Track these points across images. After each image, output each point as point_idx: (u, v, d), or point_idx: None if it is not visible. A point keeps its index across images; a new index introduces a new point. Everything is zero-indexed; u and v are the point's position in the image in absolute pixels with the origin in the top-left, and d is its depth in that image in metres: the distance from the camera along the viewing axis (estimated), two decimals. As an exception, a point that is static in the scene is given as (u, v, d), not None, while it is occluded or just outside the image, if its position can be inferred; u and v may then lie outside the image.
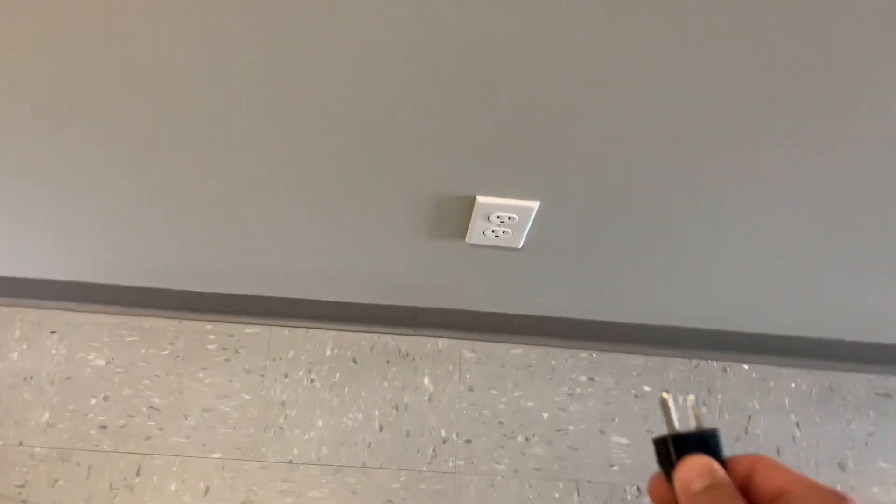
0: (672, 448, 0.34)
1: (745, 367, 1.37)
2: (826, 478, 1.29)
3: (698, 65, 0.67)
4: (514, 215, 0.93)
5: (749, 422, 1.33)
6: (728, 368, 1.37)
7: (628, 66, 0.67)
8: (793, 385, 1.36)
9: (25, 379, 1.28)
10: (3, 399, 1.26)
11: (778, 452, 1.31)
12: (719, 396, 1.34)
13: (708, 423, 0.34)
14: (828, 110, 0.72)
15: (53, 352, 1.30)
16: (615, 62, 0.67)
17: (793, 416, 1.34)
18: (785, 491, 0.30)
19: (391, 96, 0.74)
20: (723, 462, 0.33)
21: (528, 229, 0.97)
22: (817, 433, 1.33)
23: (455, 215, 0.96)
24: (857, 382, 1.36)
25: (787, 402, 1.35)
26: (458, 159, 0.84)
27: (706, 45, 0.65)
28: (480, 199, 0.91)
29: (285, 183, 0.91)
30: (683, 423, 0.35)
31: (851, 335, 1.31)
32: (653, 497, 0.34)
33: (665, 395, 0.36)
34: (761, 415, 1.33)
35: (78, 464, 1.23)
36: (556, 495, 1.26)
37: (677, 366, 1.36)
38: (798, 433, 1.33)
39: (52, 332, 1.32)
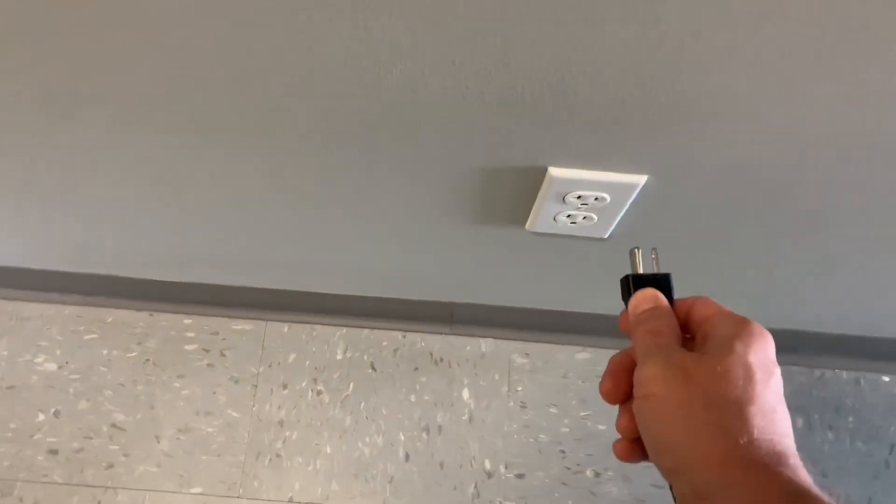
0: (631, 284, 0.43)
1: (886, 378, 1.04)
2: None
3: None
4: (606, 195, 0.60)
5: (891, 452, 1.01)
6: (862, 381, 1.04)
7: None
8: (950, 404, 1.03)
9: (-45, 389, 1.00)
10: (-71, 414, 0.99)
11: (930, 494, 0.99)
12: (851, 419, 1.02)
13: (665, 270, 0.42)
14: None
15: (-8, 353, 1.02)
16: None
17: (949, 446, 1.01)
18: (709, 316, 0.39)
19: (425, 39, 0.41)
20: (671, 300, 0.42)
21: (622, 214, 0.64)
22: (982, 468, 1.00)
23: (513, 194, 0.64)
24: None
25: (941, 426, 1.02)
26: (521, 112, 0.51)
27: None
28: (554, 171, 0.58)
29: (295, 151, 0.60)
30: (647, 270, 0.44)
31: None
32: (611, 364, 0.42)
33: (635, 249, 0.44)
34: (908, 444, 1.01)
35: (21, 500, 0.96)
36: (636, 549, 0.96)
37: (796, 377, 1.04)
38: (957, 469, 1.00)
39: (-9, 327, 1.04)
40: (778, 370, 0.37)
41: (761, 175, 0.58)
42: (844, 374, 1.04)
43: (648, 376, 0.37)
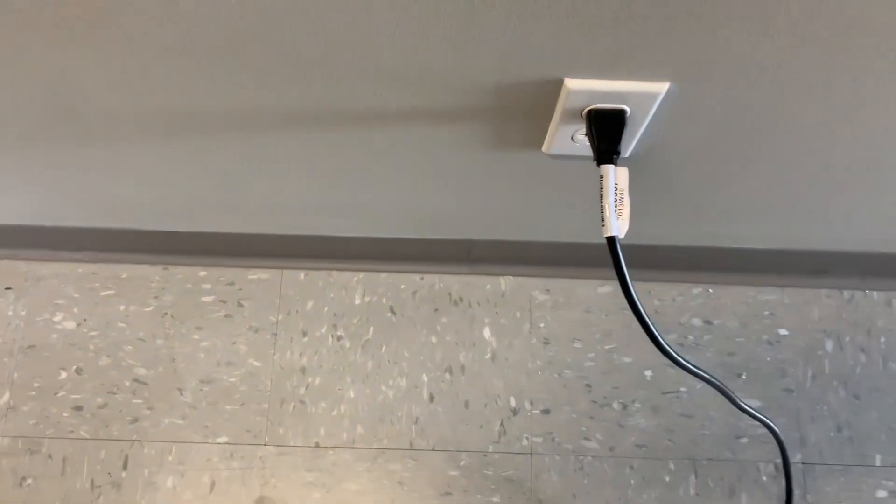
0: None
1: (918, 298, 1.01)
2: None
3: None
4: (625, 107, 0.57)
5: (925, 372, 0.99)
6: (894, 301, 1.01)
7: None
8: None
9: (-24, 351, 1.00)
10: (-48, 377, 0.99)
11: (966, 412, 0.97)
12: (883, 340, 1.00)
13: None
14: None
15: (10, 313, 1.02)
16: None
17: None
18: None
19: None
20: None
21: (643, 129, 0.61)
22: None
23: (528, 112, 0.61)
24: None
25: (977, 343, 1.00)
26: (532, 19, 0.48)
27: None
28: (571, 83, 0.55)
29: (305, 90, 0.57)
30: None
31: None
32: None
33: None
34: (942, 363, 0.99)
35: (50, 456, 0.97)
36: (667, 479, 0.95)
37: (824, 300, 1.01)
38: None
39: (7, 287, 1.03)
40: None
41: (791, 75, 0.55)
42: (875, 294, 1.01)
43: None
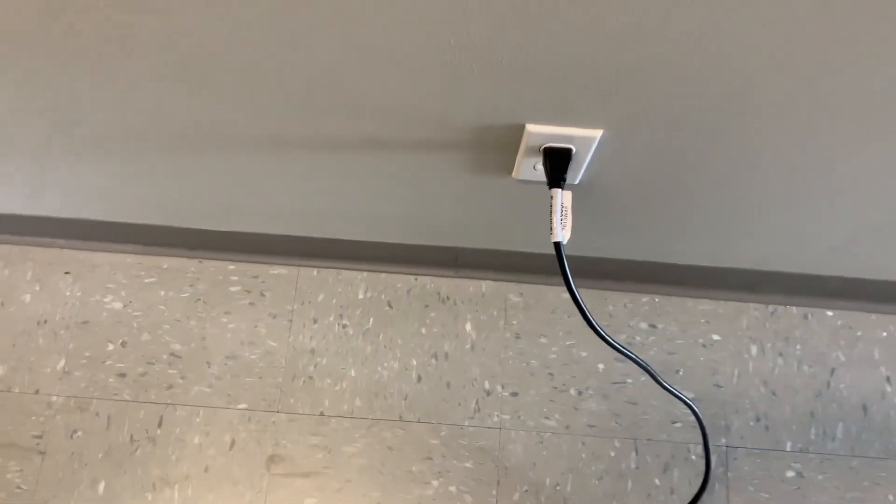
0: None
1: (829, 313, 1.21)
2: (918, 438, 1.15)
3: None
4: (571, 146, 0.77)
5: (832, 375, 1.18)
6: (810, 315, 1.21)
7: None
8: (884, 334, 1.20)
9: (39, 323, 1.19)
10: (17, 344, 1.18)
11: (865, 410, 1.16)
12: (798, 347, 1.19)
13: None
14: None
15: (68, 294, 1.21)
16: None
17: (883, 369, 1.18)
18: None
19: (425, 21, 0.58)
20: None
21: (587, 163, 0.81)
22: (911, 389, 1.18)
23: (501, 147, 0.81)
24: (959, 332, 1.20)
25: (876, 353, 1.19)
26: (503, 81, 0.68)
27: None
28: (531, 127, 0.75)
29: (320, 121, 0.77)
30: None
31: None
32: None
33: None
34: (846, 367, 1.18)
35: (97, 414, 1.15)
36: (612, 454, 1.14)
37: (751, 312, 1.21)
38: (889, 388, 1.17)
39: (66, 272, 1.22)
40: None
41: (698, 126, 0.75)
42: (794, 309, 1.21)
43: None
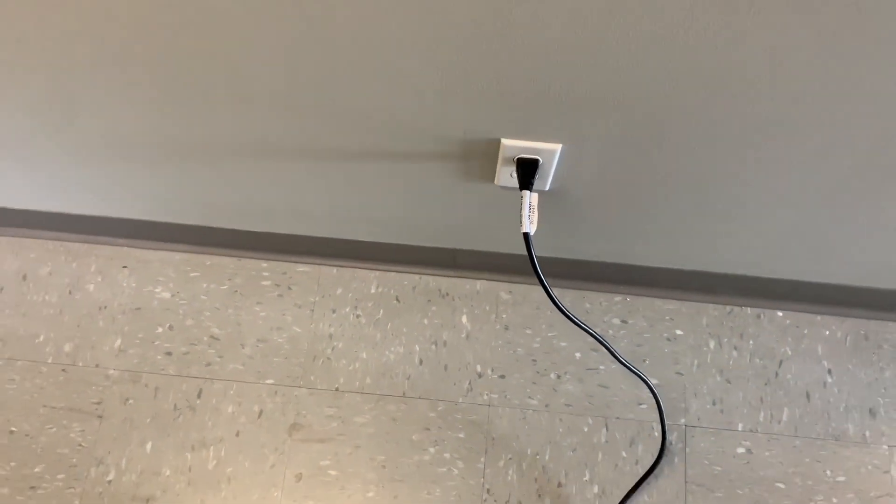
0: None
1: (780, 314, 1.39)
2: (856, 423, 1.31)
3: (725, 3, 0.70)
4: (538, 157, 0.98)
5: (780, 367, 1.35)
6: (762, 315, 1.39)
7: (643, 7, 0.71)
8: (827, 332, 1.37)
9: (100, 308, 1.41)
10: (82, 326, 1.39)
11: (808, 397, 1.33)
12: (751, 342, 1.37)
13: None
14: (853, 52, 0.74)
15: (124, 284, 1.42)
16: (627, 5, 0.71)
17: (825, 363, 1.36)
18: None
19: (418, 58, 0.79)
20: None
21: (553, 172, 1.01)
22: (849, 380, 1.35)
23: (483, 158, 1.02)
24: (894, 332, 1.37)
25: (819, 349, 1.37)
26: (481, 104, 0.89)
27: (705, -11, 0.68)
28: (505, 141, 0.96)
29: (333, 138, 0.98)
30: None
31: (890, 283, 1.31)
32: None
33: None
34: (792, 361, 1.36)
35: (146, 385, 1.36)
36: (585, 430, 1.32)
37: (711, 311, 1.39)
38: (829, 379, 1.35)
39: (124, 266, 1.44)
40: None
41: (646, 141, 0.94)
42: (749, 309, 1.39)
43: None
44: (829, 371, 1.35)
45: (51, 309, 1.41)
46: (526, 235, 0.98)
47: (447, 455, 1.31)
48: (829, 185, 1.00)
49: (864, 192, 1.00)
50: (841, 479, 1.29)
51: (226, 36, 0.81)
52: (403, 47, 0.80)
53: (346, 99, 0.91)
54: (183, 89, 0.93)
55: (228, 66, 0.87)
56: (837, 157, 0.93)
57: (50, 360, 1.37)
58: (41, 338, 1.39)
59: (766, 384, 1.34)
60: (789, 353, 1.36)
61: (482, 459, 1.30)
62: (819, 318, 1.38)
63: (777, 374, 1.35)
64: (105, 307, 1.41)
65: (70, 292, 1.42)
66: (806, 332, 1.38)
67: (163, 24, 0.80)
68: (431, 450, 1.31)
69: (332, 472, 1.30)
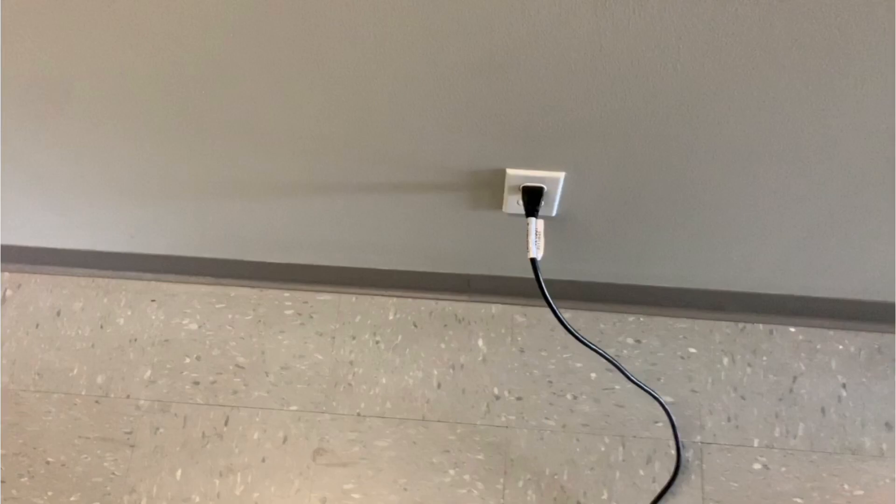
0: None
1: (792, 329, 1.40)
2: (873, 437, 1.32)
3: (714, 23, 0.74)
4: (543, 185, 1.02)
5: (794, 382, 1.37)
6: (774, 331, 1.41)
7: (635, 45, 0.75)
8: (840, 347, 1.39)
9: (130, 341, 1.46)
10: (112, 358, 1.45)
11: (823, 412, 1.34)
12: (764, 358, 1.39)
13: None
14: (852, 63, 0.77)
15: (153, 317, 1.48)
16: (624, 43, 0.75)
17: (839, 378, 1.37)
18: None
19: (423, 95, 0.84)
20: None
21: (558, 198, 1.05)
22: (864, 394, 1.36)
23: (491, 187, 1.06)
24: (908, 345, 1.38)
25: (833, 363, 1.38)
26: (486, 136, 0.93)
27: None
28: (510, 171, 1.00)
29: (347, 174, 1.03)
30: None
31: (900, 298, 1.32)
32: None
33: None
34: (806, 376, 1.37)
35: (175, 414, 1.40)
36: (602, 449, 1.34)
37: (723, 329, 1.41)
38: (844, 393, 1.36)
39: (152, 300, 1.50)
40: None
41: (645, 167, 0.98)
42: (761, 326, 1.41)
43: None
44: (844, 385, 1.36)
45: (83, 343, 1.47)
46: (533, 261, 1.01)
47: (467, 477, 1.34)
48: (834, 202, 1.02)
49: (868, 208, 1.03)
50: (859, 492, 1.29)
51: (244, 90, 0.87)
52: (410, 88, 0.85)
53: (357, 138, 0.96)
54: (207, 138, 0.99)
55: (248, 114, 0.92)
56: (841, 175, 0.95)
57: (83, 392, 1.43)
58: (75, 371, 1.44)
59: (780, 400, 1.36)
60: (803, 368, 1.38)
61: (501, 480, 1.33)
62: (832, 332, 1.40)
63: (791, 390, 1.36)
64: (135, 339, 1.47)
65: (101, 326, 1.48)
66: (819, 346, 1.39)
67: (187, 78, 0.86)
68: (451, 472, 1.34)
69: (356, 496, 1.33)
